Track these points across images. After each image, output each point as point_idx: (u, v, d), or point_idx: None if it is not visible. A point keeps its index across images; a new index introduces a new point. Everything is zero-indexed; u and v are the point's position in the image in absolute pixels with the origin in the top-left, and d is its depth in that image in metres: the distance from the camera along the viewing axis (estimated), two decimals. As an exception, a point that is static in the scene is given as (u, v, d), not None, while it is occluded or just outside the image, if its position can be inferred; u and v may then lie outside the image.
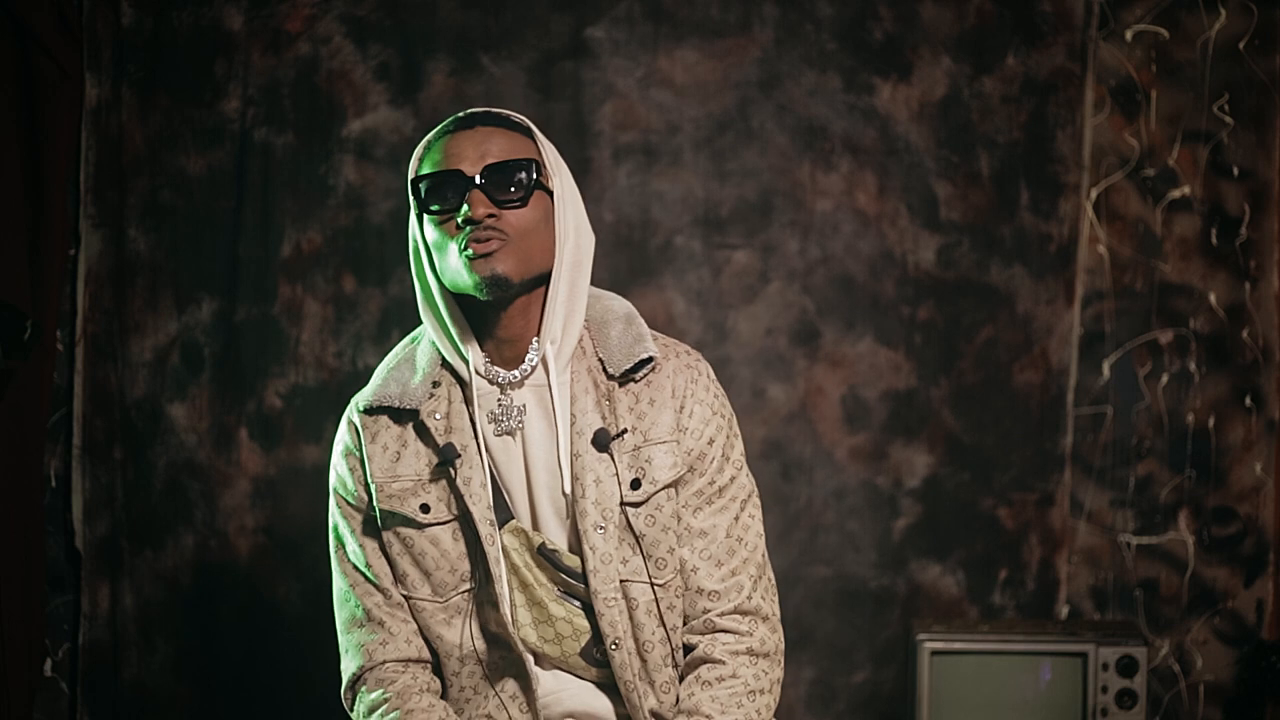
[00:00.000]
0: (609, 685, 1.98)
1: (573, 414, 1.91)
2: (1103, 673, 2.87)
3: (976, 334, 3.15)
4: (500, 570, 1.91)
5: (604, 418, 1.92)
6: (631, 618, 1.93)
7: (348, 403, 2.00)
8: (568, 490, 1.91)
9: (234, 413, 3.13)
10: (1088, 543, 3.16)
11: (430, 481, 1.93)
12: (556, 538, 1.94)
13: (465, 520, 1.92)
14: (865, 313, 3.15)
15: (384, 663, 1.97)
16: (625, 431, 1.92)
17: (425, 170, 1.89)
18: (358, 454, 1.96)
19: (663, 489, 1.92)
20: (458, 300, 1.92)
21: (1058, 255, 3.13)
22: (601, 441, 1.91)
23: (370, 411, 1.96)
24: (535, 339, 1.92)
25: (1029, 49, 3.12)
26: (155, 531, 3.15)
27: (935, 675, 2.89)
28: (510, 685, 1.97)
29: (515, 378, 1.92)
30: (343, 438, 1.99)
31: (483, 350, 1.93)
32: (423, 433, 1.94)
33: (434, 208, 1.87)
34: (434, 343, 1.96)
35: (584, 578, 1.92)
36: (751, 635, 1.94)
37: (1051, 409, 3.15)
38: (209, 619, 3.17)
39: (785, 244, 3.14)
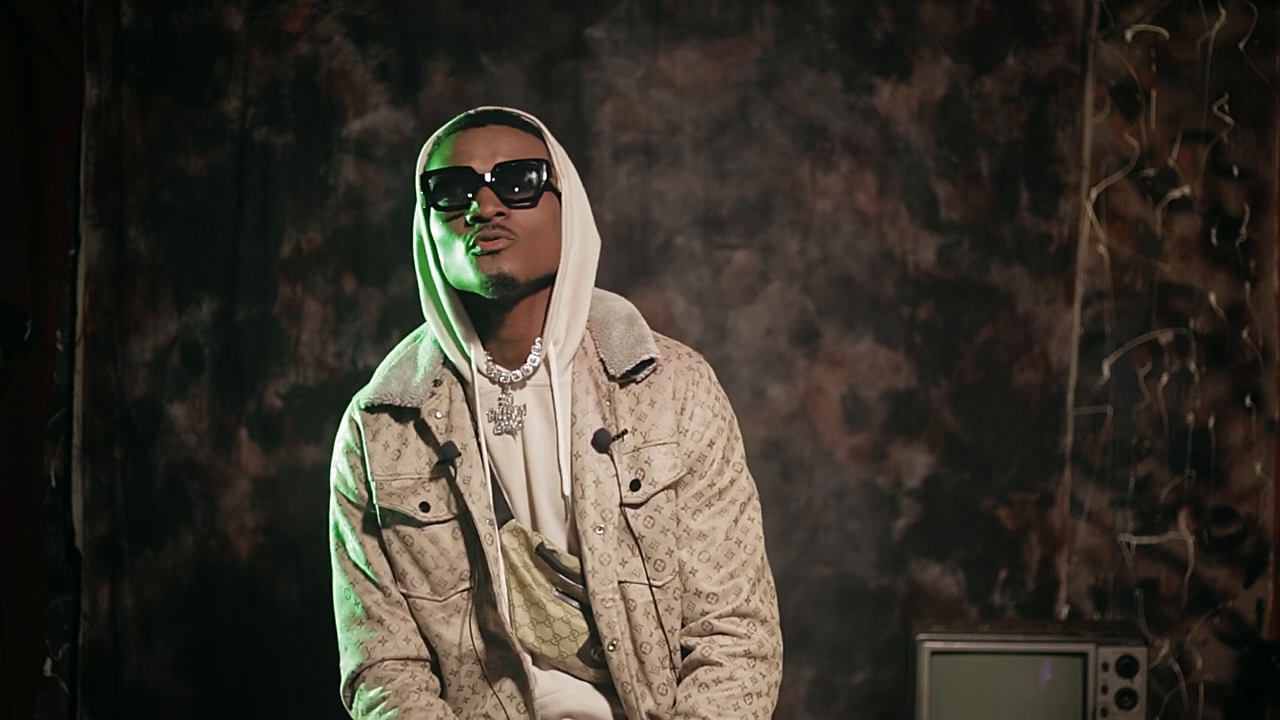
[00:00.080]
0: (606, 686, 1.98)
1: (573, 414, 1.91)
2: (1103, 673, 2.87)
3: (976, 334, 3.15)
4: (499, 570, 1.91)
5: (604, 418, 1.92)
6: (629, 619, 1.93)
7: (348, 402, 2.01)
8: (567, 491, 1.91)
9: (234, 413, 3.13)
10: (1088, 543, 3.16)
11: (430, 480, 1.93)
12: (555, 538, 1.94)
13: (465, 519, 1.92)
14: (865, 313, 3.15)
15: (383, 661, 1.97)
16: (625, 432, 1.91)
17: (435, 166, 1.89)
18: (358, 451, 1.96)
19: (662, 490, 1.92)
20: (461, 298, 1.92)
21: (1058, 255, 3.13)
22: (601, 442, 1.90)
23: (372, 409, 1.96)
24: (538, 339, 1.92)
25: (1029, 49, 3.12)
26: (155, 531, 3.15)
27: (935, 675, 2.89)
28: (508, 685, 1.97)
29: (517, 377, 1.92)
30: (344, 435, 1.99)
31: (485, 349, 1.93)
32: (423, 431, 1.94)
33: (443, 203, 1.87)
34: (436, 341, 1.96)
35: (582, 578, 1.92)
36: (749, 638, 1.94)
37: (1051, 409, 3.15)
38: (209, 619, 3.17)
39: (785, 244, 3.14)
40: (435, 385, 1.94)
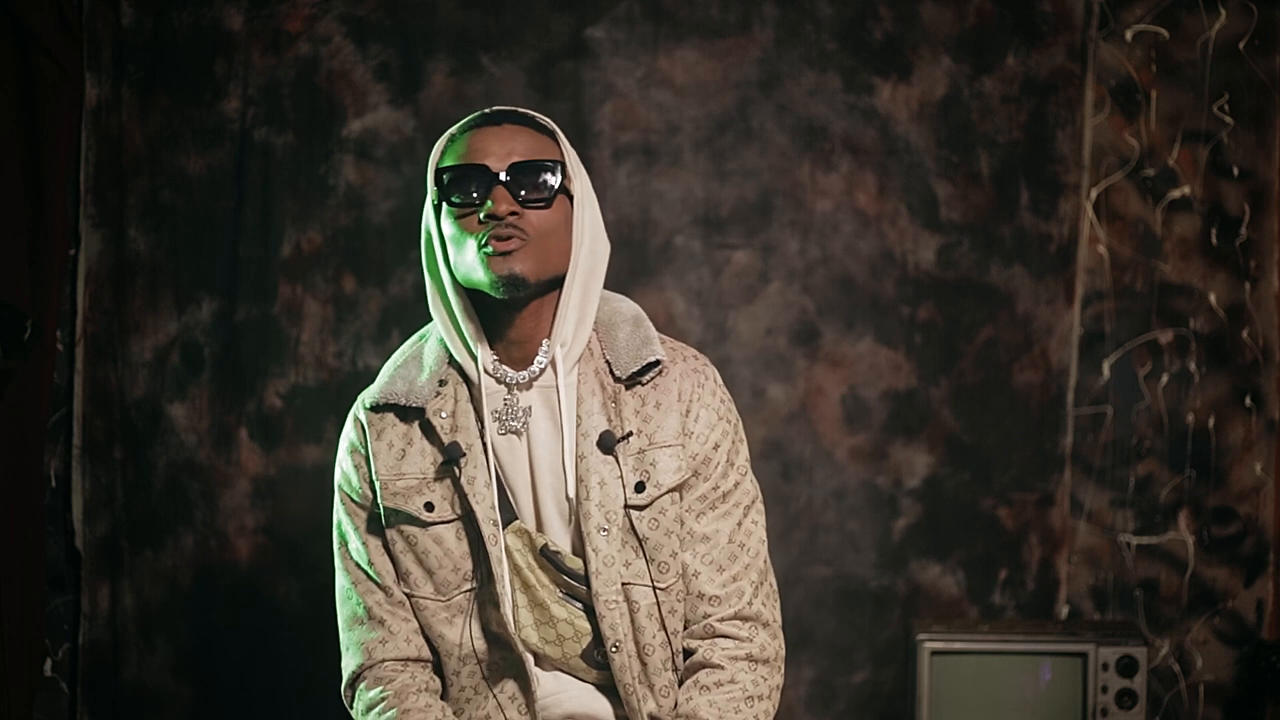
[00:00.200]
0: (609, 687, 1.98)
1: (579, 416, 1.91)
2: (1103, 673, 2.87)
3: (976, 334, 3.15)
4: (503, 571, 1.91)
5: (610, 420, 1.91)
6: (633, 620, 1.93)
7: (348, 403, 2.01)
8: (571, 493, 1.91)
9: (234, 413, 3.13)
10: (1088, 543, 3.16)
11: (435, 480, 1.93)
12: (560, 539, 1.94)
13: (469, 520, 1.92)
14: (865, 313, 3.15)
15: (383, 661, 1.97)
16: (630, 434, 1.91)
17: (449, 162, 1.89)
18: (363, 451, 1.96)
19: (667, 493, 1.92)
20: (469, 298, 1.92)
21: (1058, 255, 3.13)
22: (607, 444, 1.90)
23: (376, 408, 1.96)
24: (545, 340, 1.92)
25: (1029, 49, 3.12)
26: (155, 531, 3.15)
27: (935, 675, 2.89)
28: (510, 686, 1.97)
29: (524, 378, 1.91)
30: (348, 434, 1.99)
31: (491, 350, 1.93)
32: (428, 431, 1.93)
33: (456, 200, 1.86)
34: (442, 341, 1.96)
35: (586, 580, 1.92)
36: (751, 641, 1.94)
37: (1051, 409, 3.15)
38: (209, 619, 3.17)
39: (785, 244, 3.14)
40: (441, 385, 1.94)
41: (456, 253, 1.88)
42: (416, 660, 1.99)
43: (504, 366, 1.92)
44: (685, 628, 1.97)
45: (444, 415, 1.92)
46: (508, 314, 1.90)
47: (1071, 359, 3.14)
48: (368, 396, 1.97)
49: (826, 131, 3.13)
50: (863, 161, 3.13)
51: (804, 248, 3.14)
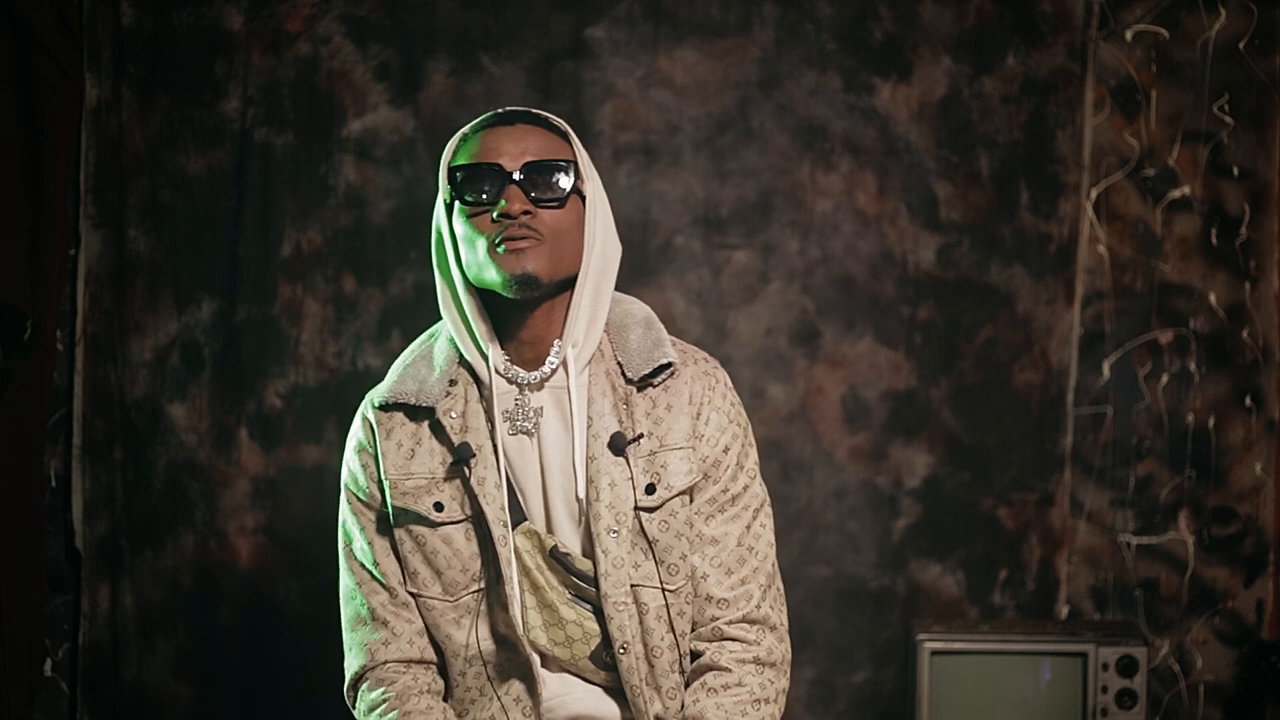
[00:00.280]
0: (616, 689, 1.98)
1: (589, 417, 1.91)
2: (1103, 673, 2.87)
3: (976, 334, 3.15)
4: (512, 571, 1.91)
5: (621, 421, 1.91)
6: (641, 622, 1.93)
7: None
8: (581, 494, 1.91)
9: (234, 413, 3.13)
10: (1088, 543, 3.17)
11: (444, 480, 1.93)
12: (569, 540, 1.94)
13: (478, 520, 1.92)
14: (865, 313, 3.15)
15: (385, 662, 1.97)
16: (641, 436, 1.91)
17: (461, 161, 1.89)
18: (371, 450, 1.96)
19: (677, 495, 1.92)
20: (480, 297, 1.92)
21: (1058, 255, 3.13)
22: (617, 445, 1.90)
23: (385, 408, 1.95)
24: (557, 341, 1.92)
25: (1029, 49, 3.12)
26: (155, 531, 3.15)
27: (935, 675, 2.89)
28: (515, 687, 1.97)
29: (535, 379, 1.91)
30: (356, 433, 1.98)
31: (502, 350, 1.93)
32: (438, 431, 1.93)
33: (469, 198, 1.86)
34: (452, 340, 1.96)
35: (595, 581, 1.92)
36: (759, 644, 1.94)
37: (1051, 409, 3.15)
38: (209, 619, 3.16)
39: (785, 244, 3.14)
40: (451, 385, 1.93)
41: (469, 252, 1.88)
42: (419, 662, 1.98)
43: (515, 367, 1.92)
44: (692, 630, 1.97)
45: (454, 415, 1.92)
46: (519, 314, 1.90)
47: (1071, 359, 3.14)
48: (376, 396, 1.97)
49: (826, 131, 3.13)
50: (863, 161, 3.13)
51: (804, 248, 3.14)
